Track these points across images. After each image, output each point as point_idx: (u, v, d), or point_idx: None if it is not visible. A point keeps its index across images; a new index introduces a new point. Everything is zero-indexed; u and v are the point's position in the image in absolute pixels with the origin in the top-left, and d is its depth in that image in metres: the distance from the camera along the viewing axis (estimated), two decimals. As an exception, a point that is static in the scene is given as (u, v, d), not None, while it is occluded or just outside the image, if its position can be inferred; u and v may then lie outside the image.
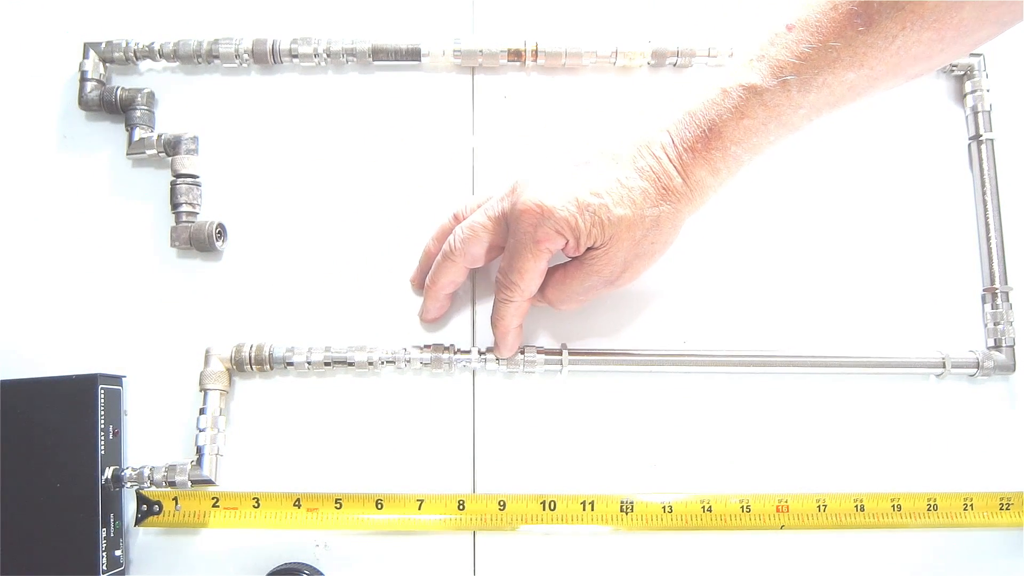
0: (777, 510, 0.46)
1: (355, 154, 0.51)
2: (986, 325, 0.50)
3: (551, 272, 0.44)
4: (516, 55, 0.51)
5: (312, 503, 0.46)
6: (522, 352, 0.47)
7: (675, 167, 0.39)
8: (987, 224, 0.50)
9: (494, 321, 0.45)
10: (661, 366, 0.48)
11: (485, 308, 0.49)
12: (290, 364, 0.47)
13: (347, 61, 0.51)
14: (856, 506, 0.47)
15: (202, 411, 0.46)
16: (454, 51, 0.50)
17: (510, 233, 0.42)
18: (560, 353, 0.47)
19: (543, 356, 0.47)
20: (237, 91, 0.51)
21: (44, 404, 0.44)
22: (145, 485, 0.45)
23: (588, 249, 0.41)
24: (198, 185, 0.49)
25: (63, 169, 0.51)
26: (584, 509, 0.46)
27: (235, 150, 0.51)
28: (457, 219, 0.46)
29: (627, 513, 0.46)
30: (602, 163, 0.40)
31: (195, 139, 0.49)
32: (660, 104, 0.40)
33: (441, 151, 0.51)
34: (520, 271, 0.42)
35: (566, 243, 0.41)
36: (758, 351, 0.48)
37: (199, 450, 0.45)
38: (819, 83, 0.37)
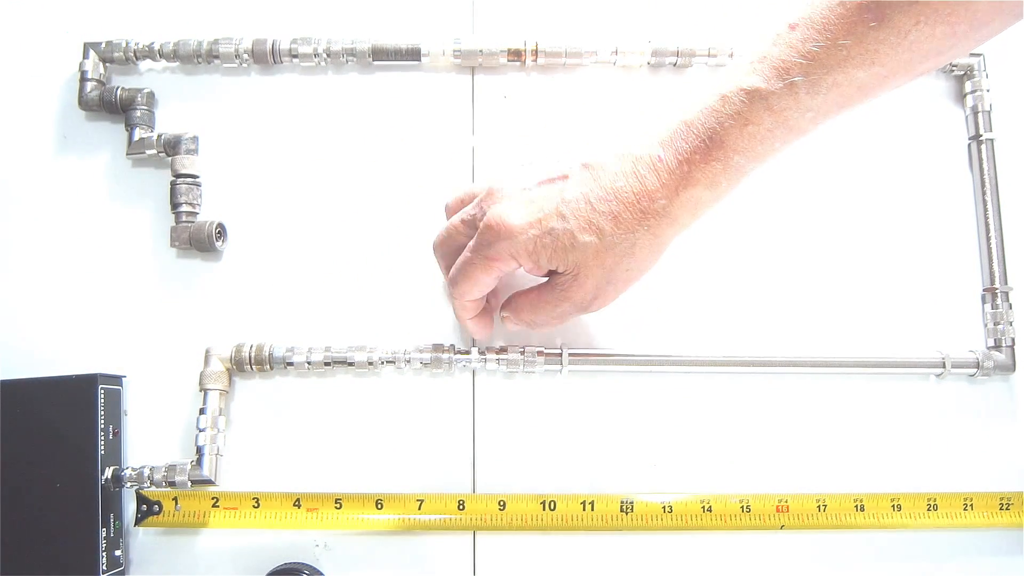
0: (777, 510, 0.46)
1: (355, 154, 0.51)
2: (986, 325, 0.50)
3: (527, 293, 0.43)
4: (516, 55, 0.51)
5: (312, 503, 0.46)
6: (522, 352, 0.47)
7: (662, 187, 0.37)
8: (987, 224, 0.50)
9: (454, 311, 0.45)
10: (661, 367, 0.48)
11: (485, 308, 0.49)
12: (290, 364, 0.47)
13: (347, 61, 0.51)
14: (856, 506, 0.47)
15: (202, 411, 0.46)
16: (454, 51, 0.50)
17: (472, 238, 0.40)
18: (560, 353, 0.47)
19: (543, 356, 0.47)
20: (237, 91, 0.51)
21: (44, 404, 0.44)
22: (145, 485, 0.45)
23: (557, 274, 0.40)
24: (198, 185, 0.49)
25: (63, 169, 0.51)
26: (584, 509, 0.46)
27: (235, 150, 0.51)
28: (466, 195, 0.44)
29: (627, 513, 0.46)
30: (580, 179, 0.38)
31: (195, 139, 0.49)
32: (654, 114, 0.38)
33: (441, 151, 0.51)
34: (465, 275, 0.40)
35: (521, 264, 0.39)
36: (758, 352, 0.48)
37: (199, 450, 0.45)
38: (829, 83, 0.35)
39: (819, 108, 0.36)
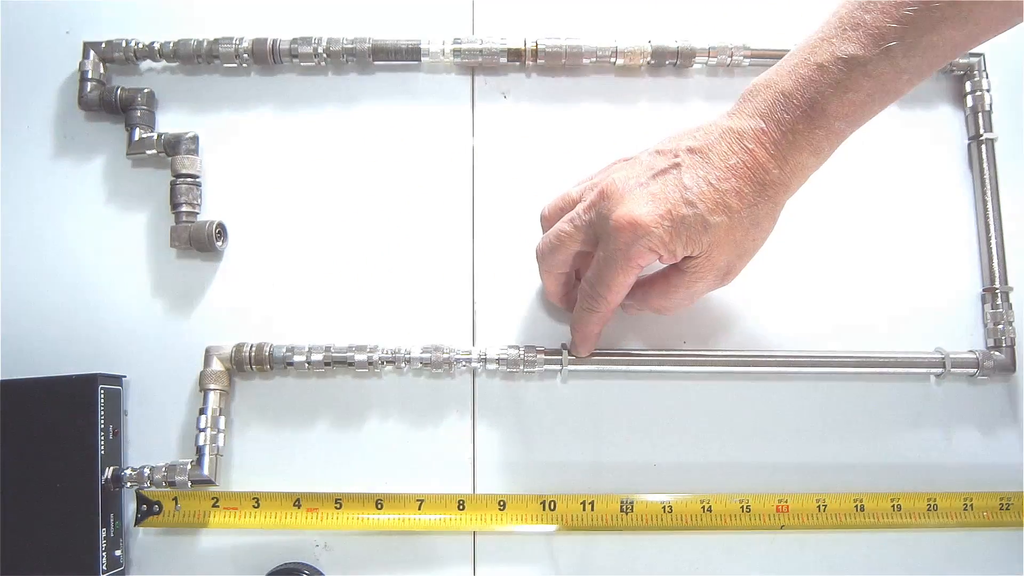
0: (777, 510, 0.46)
1: (355, 154, 0.51)
2: (986, 325, 0.50)
3: (652, 281, 0.42)
4: (516, 55, 0.51)
5: (312, 503, 0.46)
6: (522, 352, 0.47)
7: (771, 157, 0.37)
8: (987, 224, 0.50)
9: (575, 327, 0.44)
10: (661, 366, 0.48)
11: (485, 309, 0.49)
12: (290, 364, 0.47)
13: (347, 61, 0.51)
14: (856, 506, 0.47)
15: (202, 411, 0.46)
16: (454, 51, 0.50)
17: (600, 246, 0.40)
18: (560, 353, 0.47)
19: (543, 356, 0.47)
20: (237, 91, 0.51)
21: (44, 404, 0.44)
22: (145, 485, 0.45)
23: (687, 258, 0.40)
24: (198, 185, 0.49)
25: (63, 169, 0.51)
26: (584, 509, 0.46)
27: (235, 150, 0.51)
28: (564, 201, 0.44)
29: (627, 513, 0.46)
30: (692, 163, 0.38)
31: (195, 139, 0.49)
32: (747, 89, 0.38)
33: (441, 151, 0.51)
34: (609, 285, 0.40)
35: (660, 256, 0.39)
36: (758, 351, 0.48)
37: (199, 450, 0.45)
38: (924, 45, 0.35)
39: (915, 70, 0.36)
